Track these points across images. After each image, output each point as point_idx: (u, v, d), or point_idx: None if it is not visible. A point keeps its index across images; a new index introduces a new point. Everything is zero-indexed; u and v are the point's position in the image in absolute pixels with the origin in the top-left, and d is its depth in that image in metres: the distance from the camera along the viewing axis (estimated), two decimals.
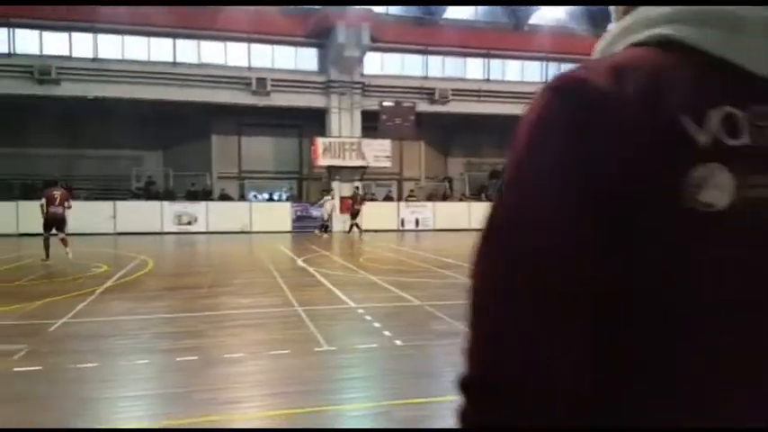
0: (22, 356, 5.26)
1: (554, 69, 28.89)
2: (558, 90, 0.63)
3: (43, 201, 13.46)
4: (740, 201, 0.54)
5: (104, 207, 22.62)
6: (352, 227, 22.26)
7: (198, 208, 24.02)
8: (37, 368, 4.92)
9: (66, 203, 13.61)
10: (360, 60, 24.93)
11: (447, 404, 4.20)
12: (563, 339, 0.56)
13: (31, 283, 9.85)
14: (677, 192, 0.55)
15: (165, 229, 23.12)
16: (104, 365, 5.06)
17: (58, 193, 13.57)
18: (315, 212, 25.31)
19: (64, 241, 13.31)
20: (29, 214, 20.92)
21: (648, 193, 0.55)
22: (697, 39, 0.59)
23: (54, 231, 13.37)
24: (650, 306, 0.56)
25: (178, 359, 5.25)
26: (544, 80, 27.98)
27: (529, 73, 28.60)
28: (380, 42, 25.07)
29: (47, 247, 13.15)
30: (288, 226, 24.76)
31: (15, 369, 4.90)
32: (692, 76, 0.58)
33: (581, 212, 0.56)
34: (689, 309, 0.55)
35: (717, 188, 0.54)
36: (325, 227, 23.02)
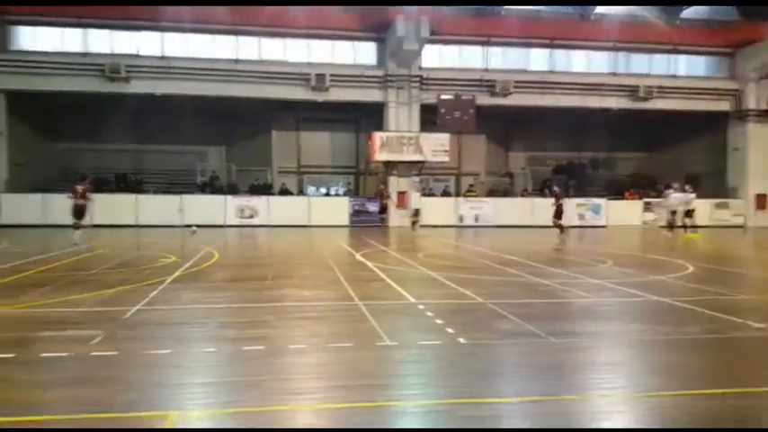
0: (99, 341, 5.48)
1: (623, 59, 27.68)
2: None
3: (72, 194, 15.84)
4: None
5: (172, 200, 23.49)
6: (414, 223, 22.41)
7: (259, 202, 24.55)
8: (113, 353, 5.11)
9: (87, 196, 15.79)
10: (418, 53, 24.72)
11: (511, 405, 4.11)
12: None
13: (105, 272, 10.28)
14: None
15: (228, 222, 23.75)
16: (176, 352, 5.20)
17: (80, 188, 15.76)
18: (371, 207, 25.40)
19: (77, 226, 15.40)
20: (100, 206, 22.04)
21: None
22: None
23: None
24: None
25: (245, 348, 5.34)
26: (613, 71, 27.11)
27: (595, 63, 27.38)
28: (439, 35, 24.73)
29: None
30: (345, 220, 24.94)
31: (93, 353, 5.10)
32: None
33: None
34: None
35: None
36: None
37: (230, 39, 24.64)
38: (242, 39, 24.80)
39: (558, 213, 19.36)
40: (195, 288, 8.67)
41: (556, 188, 22.86)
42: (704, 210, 26.13)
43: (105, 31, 23.65)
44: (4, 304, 7.20)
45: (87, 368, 4.76)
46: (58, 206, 21.70)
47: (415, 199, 23.91)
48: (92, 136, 25.93)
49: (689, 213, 19.93)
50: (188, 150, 27.39)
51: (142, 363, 4.90)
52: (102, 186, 24.18)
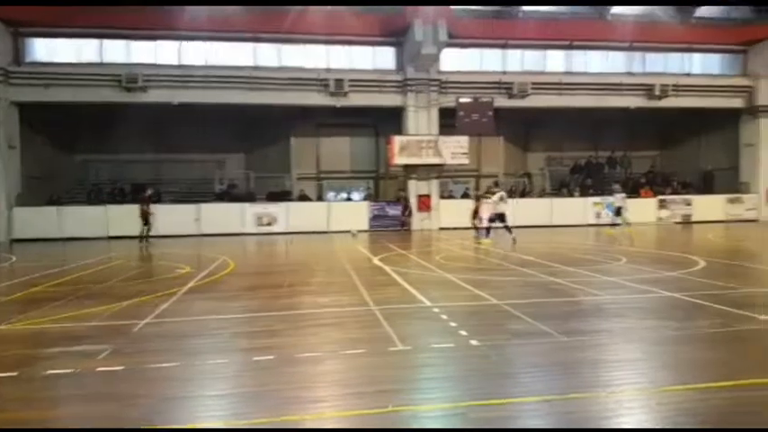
0: (105, 356, 5.42)
1: (639, 59, 27.63)
2: None
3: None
4: None
5: (189, 210, 23.56)
6: None
7: (278, 209, 24.56)
8: (119, 368, 5.03)
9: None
10: (437, 57, 24.67)
11: (524, 405, 4.11)
12: None
13: (119, 284, 10.25)
14: None
15: (247, 230, 23.78)
16: (186, 365, 5.13)
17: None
18: (391, 211, 25.31)
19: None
20: (118, 218, 22.36)
21: None
22: None
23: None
24: None
25: (256, 358, 5.27)
26: (629, 71, 26.98)
27: (612, 63, 27.38)
28: (458, 38, 24.70)
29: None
30: (365, 225, 24.90)
31: (99, 369, 5.03)
32: None
33: None
34: None
35: None
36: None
37: (249, 46, 24.70)
38: (260, 45, 24.86)
39: (476, 213, 20.28)
40: (208, 298, 8.61)
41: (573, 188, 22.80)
42: (718, 204, 27.48)
43: (121, 42, 23.72)
44: (12, 320, 7.15)
45: (92, 384, 4.69)
46: (74, 218, 22.20)
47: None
48: (109, 147, 26.13)
49: (618, 211, 21.08)
50: (206, 159, 27.53)
51: (149, 377, 4.82)
52: (117, 198, 24.46)
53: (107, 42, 23.65)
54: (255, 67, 24.44)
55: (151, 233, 20.16)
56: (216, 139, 26.93)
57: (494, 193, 18.71)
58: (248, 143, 28.17)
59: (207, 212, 23.74)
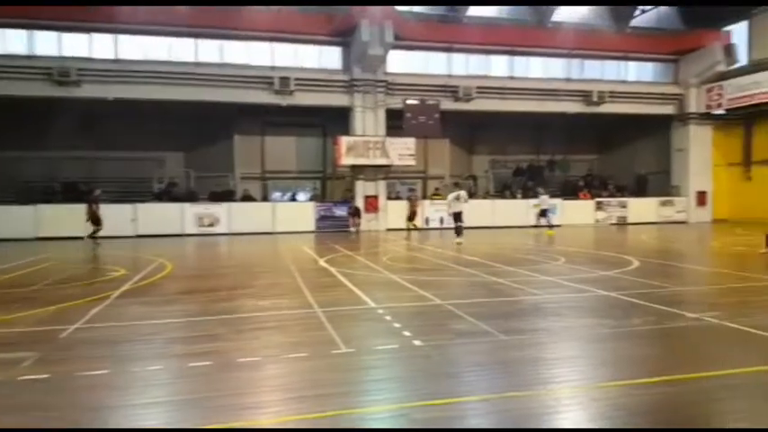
0: (30, 364, 5.10)
1: (577, 66, 28.53)
2: None
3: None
4: None
5: (125, 210, 22.71)
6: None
7: (220, 209, 24.00)
8: (44, 376, 4.75)
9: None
10: (383, 59, 24.71)
11: (466, 404, 4.13)
12: None
13: (47, 288, 9.73)
14: None
15: (187, 231, 23.15)
16: (116, 372, 4.89)
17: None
18: (339, 212, 25.17)
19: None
20: (48, 218, 21.32)
21: None
22: None
23: None
24: None
25: (192, 364, 5.07)
26: (568, 77, 27.82)
27: (552, 70, 28.20)
28: (404, 40, 24.85)
29: None
30: (311, 226, 24.68)
31: (21, 378, 4.73)
32: None
33: None
34: None
35: None
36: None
37: (190, 41, 24.00)
38: (202, 41, 24.21)
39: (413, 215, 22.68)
40: (143, 302, 8.27)
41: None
42: (651, 207, 28.74)
43: (53, 33, 22.48)
44: None
45: (13, 395, 4.39)
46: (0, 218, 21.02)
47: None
48: (40, 143, 24.71)
49: (543, 213, 22.63)
50: (144, 157, 26.54)
51: (76, 385, 4.57)
52: (49, 197, 23.29)
53: (38, 34, 22.39)
54: (197, 63, 23.80)
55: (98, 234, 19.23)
56: (154, 136, 25.99)
57: (444, 195, 18.93)
58: (189, 141, 27.38)
59: (144, 212, 22.95)
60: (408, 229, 23.21)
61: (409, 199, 24.67)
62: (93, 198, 19.50)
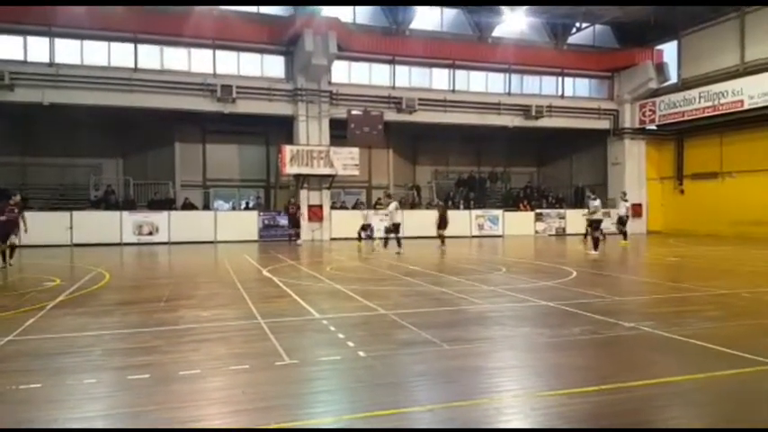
0: None
1: (516, 80, 29.41)
2: None
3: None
4: None
5: (60, 217, 21.85)
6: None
7: (160, 217, 23.42)
8: None
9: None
10: (327, 69, 24.83)
11: (410, 415, 4.12)
12: None
13: None
14: None
15: (125, 240, 22.49)
16: (51, 385, 4.72)
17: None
18: (282, 221, 24.97)
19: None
20: None
21: None
22: None
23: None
24: None
25: (130, 377, 4.95)
26: (507, 91, 28.63)
27: (492, 84, 29.02)
28: (348, 51, 25.03)
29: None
30: (255, 235, 24.41)
31: None
32: None
33: None
34: None
35: None
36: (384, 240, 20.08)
37: (128, 46, 23.44)
38: (142, 47, 23.66)
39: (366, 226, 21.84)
40: (79, 313, 8.00)
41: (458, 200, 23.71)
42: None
43: None
44: None
45: None
46: None
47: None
48: None
49: (595, 225, 22.03)
50: (80, 163, 25.65)
51: (7, 399, 4.39)
52: None
53: None
54: (136, 69, 23.24)
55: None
56: (92, 142, 25.18)
57: (386, 205, 19.04)
58: (128, 148, 26.66)
59: (80, 220, 22.17)
60: (360, 239, 22.07)
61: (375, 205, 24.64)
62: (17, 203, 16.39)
